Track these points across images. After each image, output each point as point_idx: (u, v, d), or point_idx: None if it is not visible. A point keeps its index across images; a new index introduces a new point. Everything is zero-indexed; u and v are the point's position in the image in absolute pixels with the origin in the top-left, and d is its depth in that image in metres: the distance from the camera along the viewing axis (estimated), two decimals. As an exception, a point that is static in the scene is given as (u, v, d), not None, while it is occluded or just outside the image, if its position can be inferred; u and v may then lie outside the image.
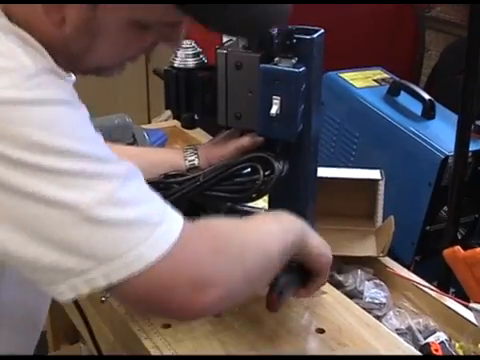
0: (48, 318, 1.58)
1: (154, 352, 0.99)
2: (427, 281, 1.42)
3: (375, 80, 1.74)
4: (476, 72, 1.18)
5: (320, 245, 0.97)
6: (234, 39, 1.04)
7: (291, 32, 0.94)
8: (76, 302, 1.13)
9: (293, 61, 0.94)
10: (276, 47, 0.95)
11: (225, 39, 1.06)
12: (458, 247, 1.03)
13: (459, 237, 1.67)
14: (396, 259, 1.69)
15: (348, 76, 1.74)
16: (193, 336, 1.03)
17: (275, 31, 0.95)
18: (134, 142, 1.48)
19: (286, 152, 0.99)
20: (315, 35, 0.96)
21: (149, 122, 1.99)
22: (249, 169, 0.97)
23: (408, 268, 1.65)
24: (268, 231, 0.84)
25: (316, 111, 1.01)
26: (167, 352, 0.99)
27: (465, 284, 1.03)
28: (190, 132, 1.81)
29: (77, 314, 1.07)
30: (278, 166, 0.96)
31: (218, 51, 0.99)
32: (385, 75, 1.77)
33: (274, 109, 0.94)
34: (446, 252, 1.04)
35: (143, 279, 0.67)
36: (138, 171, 0.72)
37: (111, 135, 1.46)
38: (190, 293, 0.70)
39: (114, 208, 0.66)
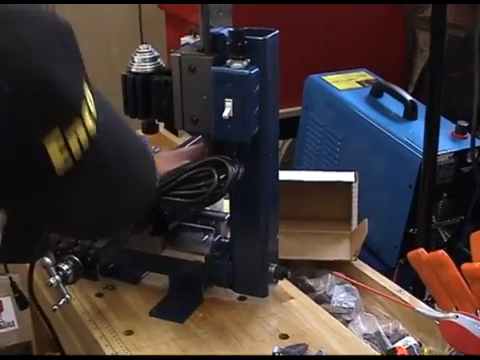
0: (32, 328, 1.57)
1: (113, 360, 0.99)
2: (411, 285, 1.40)
3: (359, 82, 1.72)
4: (441, 67, 1.15)
5: None
6: (191, 42, 1.03)
7: (242, 33, 0.92)
8: (41, 310, 1.13)
9: (245, 63, 0.92)
10: (229, 49, 0.94)
11: (183, 42, 1.05)
12: (422, 249, 1.00)
13: (445, 240, 1.65)
14: (382, 263, 1.67)
15: (331, 78, 1.71)
16: (154, 343, 1.02)
17: (226, 32, 0.94)
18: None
19: (243, 156, 0.98)
20: (268, 36, 0.94)
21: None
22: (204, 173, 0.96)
23: (392, 272, 1.63)
24: None
25: (273, 113, 0.99)
26: (126, 360, 0.98)
27: (432, 289, 1.00)
28: (175, 138, 1.81)
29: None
30: (232, 169, 0.95)
31: (172, 55, 0.98)
32: (369, 77, 1.74)
33: (226, 112, 0.92)
34: (410, 255, 1.01)
35: None
36: None
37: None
38: None
39: None
